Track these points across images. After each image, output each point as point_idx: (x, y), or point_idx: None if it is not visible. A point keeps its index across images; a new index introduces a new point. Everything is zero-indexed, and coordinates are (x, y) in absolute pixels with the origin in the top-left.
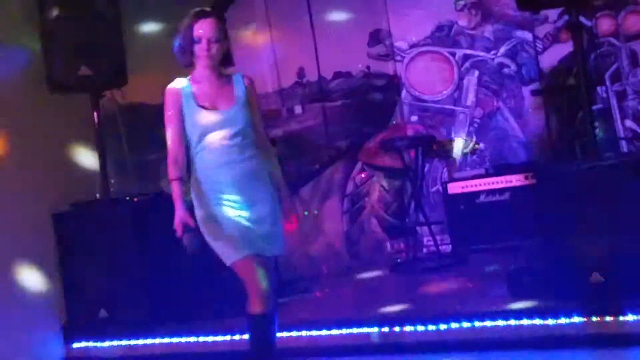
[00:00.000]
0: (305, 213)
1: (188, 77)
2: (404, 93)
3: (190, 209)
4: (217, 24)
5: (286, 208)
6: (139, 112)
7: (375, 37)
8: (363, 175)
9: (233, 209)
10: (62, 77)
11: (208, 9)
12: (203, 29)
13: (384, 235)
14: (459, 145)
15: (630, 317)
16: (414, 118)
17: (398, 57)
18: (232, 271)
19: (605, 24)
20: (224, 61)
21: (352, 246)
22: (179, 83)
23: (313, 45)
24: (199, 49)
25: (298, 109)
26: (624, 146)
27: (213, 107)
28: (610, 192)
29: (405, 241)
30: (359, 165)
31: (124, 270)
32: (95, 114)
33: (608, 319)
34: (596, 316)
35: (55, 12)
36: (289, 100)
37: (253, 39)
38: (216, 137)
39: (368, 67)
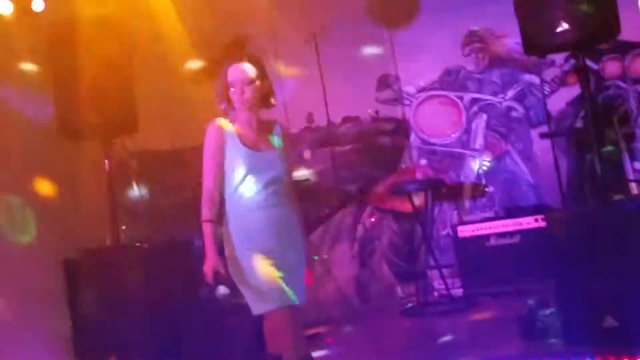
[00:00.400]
0: (316, 258)
1: (227, 119)
2: (412, 137)
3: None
4: (251, 66)
5: (308, 258)
6: (149, 158)
7: (384, 82)
8: (373, 219)
9: (265, 256)
10: (73, 124)
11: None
12: (235, 73)
13: (394, 279)
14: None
15: None
16: (423, 161)
17: (406, 102)
18: (247, 318)
19: (611, 67)
20: (263, 102)
21: (363, 290)
22: (221, 121)
23: (322, 90)
24: (233, 94)
25: (307, 154)
26: (634, 188)
27: (257, 148)
28: (622, 235)
29: (416, 285)
30: (368, 209)
31: (134, 315)
32: (106, 160)
33: None
34: None
35: (67, 60)
36: (298, 144)
37: None
38: (257, 179)
39: (377, 112)
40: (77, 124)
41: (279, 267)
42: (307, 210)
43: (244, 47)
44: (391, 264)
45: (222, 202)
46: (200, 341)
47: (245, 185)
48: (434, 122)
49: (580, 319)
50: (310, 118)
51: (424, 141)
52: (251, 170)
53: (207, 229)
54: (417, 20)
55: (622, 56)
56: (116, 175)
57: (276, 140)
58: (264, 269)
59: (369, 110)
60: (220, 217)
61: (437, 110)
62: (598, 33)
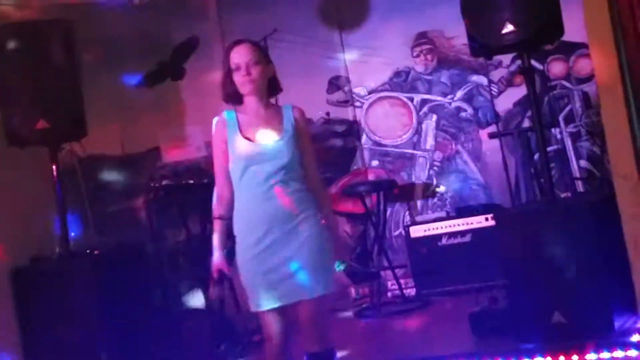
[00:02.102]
0: None
1: (235, 109)
2: (364, 138)
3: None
4: (253, 47)
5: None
6: (98, 164)
7: (335, 84)
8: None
9: (267, 249)
10: (19, 130)
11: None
12: (239, 54)
13: (348, 280)
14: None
15: (591, 357)
16: (375, 163)
17: (357, 103)
18: (203, 323)
19: (556, 68)
20: (271, 88)
21: None
22: (226, 113)
23: None
24: (239, 76)
25: None
26: (580, 186)
27: (258, 139)
28: (568, 232)
29: (369, 286)
30: None
31: (84, 324)
32: (54, 167)
33: (572, 358)
34: (559, 355)
35: (11, 65)
36: None
37: (213, 87)
38: (258, 172)
39: (328, 114)
40: (23, 130)
41: (277, 264)
42: None
43: (194, 49)
44: (344, 265)
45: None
46: (154, 348)
47: (246, 178)
48: (385, 123)
49: (530, 316)
50: None
51: (375, 142)
52: (251, 162)
53: (216, 225)
54: (368, 22)
55: (567, 57)
56: (64, 181)
57: (288, 126)
58: (258, 266)
59: (320, 112)
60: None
61: (387, 112)
62: (543, 34)
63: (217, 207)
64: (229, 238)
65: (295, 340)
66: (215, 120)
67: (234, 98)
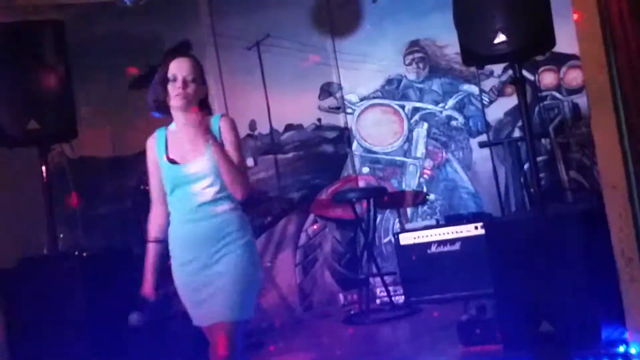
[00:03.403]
0: None
1: (166, 127)
2: (355, 145)
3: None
4: (194, 63)
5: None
6: (88, 165)
7: (326, 90)
8: (315, 227)
9: (193, 271)
10: (10, 131)
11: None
12: (180, 66)
13: (337, 286)
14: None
15: None
16: (365, 170)
17: (349, 110)
18: (188, 325)
19: (547, 79)
20: (202, 108)
21: (305, 298)
22: (157, 133)
23: (264, 97)
24: (173, 88)
25: (250, 162)
26: (569, 196)
27: (182, 160)
28: (558, 242)
29: (358, 292)
30: (311, 217)
31: (71, 326)
32: (43, 168)
33: None
34: None
35: (1, 65)
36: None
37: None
38: (184, 193)
39: (319, 120)
40: (13, 130)
41: (200, 285)
42: (250, 218)
43: (187, 52)
44: (334, 271)
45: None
46: (141, 350)
47: (175, 200)
48: (376, 130)
49: (518, 325)
50: (253, 125)
51: (366, 149)
52: (176, 185)
53: (149, 248)
54: (360, 29)
55: (558, 68)
56: (54, 182)
57: (213, 139)
58: (189, 285)
59: (312, 118)
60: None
61: (379, 119)
62: (534, 45)
63: (151, 229)
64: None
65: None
66: (148, 141)
67: (161, 108)
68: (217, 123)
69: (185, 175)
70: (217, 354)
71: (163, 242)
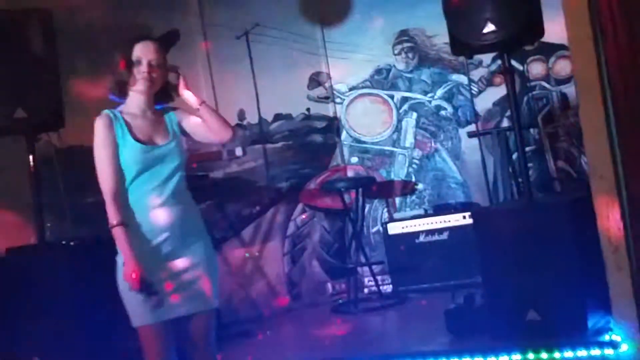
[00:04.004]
0: (247, 255)
1: (118, 109)
2: (344, 135)
3: None
4: (160, 48)
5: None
6: (76, 155)
7: (315, 80)
8: (304, 217)
9: (158, 259)
10: None
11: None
12: (145, 50)
13: (325, 276)
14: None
15: (565, 354)
16: (354, 159)
17: (338, 100)
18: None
19: (536, 68)
20: (162, 95)
21: (294, 287)
22: (110, 113)
23: (253, 87)
24: (138, 72)
25: (239, 151)
26: (557, 186)
27: (150, 142)
28: (545, 231)
29: (346, 282)
30: (300, 207)
31: (59, 316)
32: (30, 157)
33: (544, 356)
34: (533, 353)
35: None
36: (230, 141)
37: (193, 80)
38: (152, 176)
39: (308, 109)
40: (0, 119)
41: (173, 273)
42: (238, 207)
43: (175, 42)
44: (322, 261)
45: None
46: (127, 342)
47: (139, 183)
48: (365, 120)
49: (505, 314)
50: (241, 115)
51: (355, 139)
52: (145, 167)
53: (120, 233)
54: (349, 18)
55: (547, 58)
56: (41, 171)
57: (173, 129)
58: (152, 274)
59: (301, 108)
60: None
61: (368, 109)
62: (523, 35)
63: (115, 213)
64: None
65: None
66: (98, 119)
67: (122, 90)
68: (173, 116)
69: (156, 157)
70: (200, 344)
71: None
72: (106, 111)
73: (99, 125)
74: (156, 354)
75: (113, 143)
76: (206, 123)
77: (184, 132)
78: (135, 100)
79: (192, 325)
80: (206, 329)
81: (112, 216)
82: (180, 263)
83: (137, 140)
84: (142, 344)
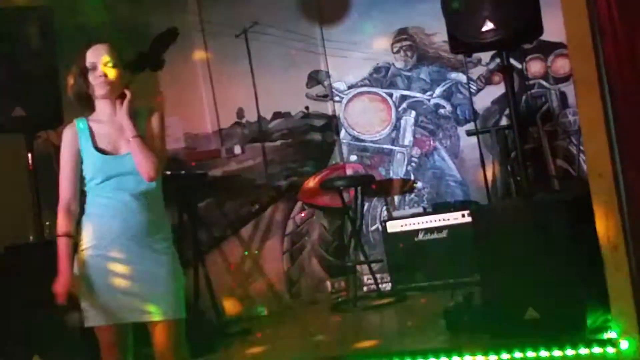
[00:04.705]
0: (246, 253)
1: (87, 117)
2: (342, 133)
3: None
4: (112, 48)
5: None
6: None
7: (314, 78)
8: (303, 215)
9: (113, 267)
10: None
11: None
12: (97, 53)
13: (324, 274)
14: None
15: (563, 353)
16: (353, 157)
17: (337, 98)
18: None
19: (535, 67)
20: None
21: (293, 286)
22: (77, 122)
23: (252, 85)
24: (94, 77)
25: (237, 149)
26: (556, 184)
27: (113, 151)
28: (544, 230)
29: (345, 280)
30: (299, 205)
31: (58, 314)
32: (29, 155)
33: (543, 354)
34: (532, 351)
35: None
36: (229, 140)
37: (192, 78)
38: (117, 183)
39: (307, 108)
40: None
41: (129, 278)
42: (237, 206)
43: (174, 40)
44: (321, 259)
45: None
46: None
47: (104, 189)
48: (364, 118)
49: (504, 312)
50: (240, 113)
51: (354, 137)
52: (107, 176)
53: (62, 243)
54: (348, 17)
55: (545, 56)
56: (39, 169)
57: (140, 131)
58: (105, 282)
59: (300, 106)
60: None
61: (366, 107)
62: (522, 33)
63: (63, 222)
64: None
65: None
66: (65, 130)
67: (84, 100)
68: (144, 115)
69: (120, 166)
70: (165, 354)
71: (73, 238)
72: (75, 120)
73: (63, 135)
74: (106, 356)
75: (73, 154)
76: (133, 157)
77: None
78: (101, 106)
79: (154, 333)
80: (169, 339)
81: (60, 225)
82: (134, 271)
83: (99, 149)
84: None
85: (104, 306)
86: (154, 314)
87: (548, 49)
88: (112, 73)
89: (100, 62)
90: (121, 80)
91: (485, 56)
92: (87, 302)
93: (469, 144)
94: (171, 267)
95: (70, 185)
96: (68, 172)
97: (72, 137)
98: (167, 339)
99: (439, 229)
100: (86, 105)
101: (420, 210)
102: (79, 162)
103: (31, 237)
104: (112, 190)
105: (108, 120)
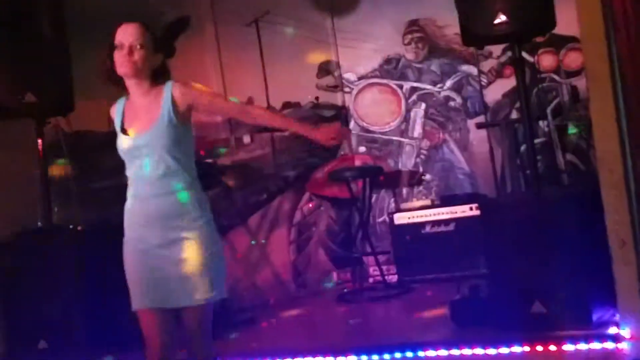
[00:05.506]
0: (253, 242)
1: (127, 97)
2: (352, 124)
3: None
4: (142, 29)
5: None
6: (84, 139)
7: (324, 69)
8: (311, 205)
9: (145, 250)
10: (6, 103)
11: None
12: (125, 32)
13: (330, 265)
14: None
15: (569, 348)
16: (362, 149)
17: (346, 89)
18: None
19: (546, 60)
20: (155, 78)
21: (299, 276)
22: (117, 102)
23: (262, 75)
24: (119, 56)
25: (247, 139)
26: (565, 179)
27: (136, 131)
28: (551, 224)
29: (351, 271)
30: (306, 195)
31: (65, 300)
32: (39, 140)
33: (550, 348)
34: (537, 345)
35: None
36: (238, 129)
37: (202, 67)
38: (139, 166)
39: (317, 98)
40: (10, 103)
41: (159, 265)
42: (245, 195)
43: (185, 28)
44: (328, 250)
45: None
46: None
47: (131, 173)
48: (374, 110)
49: (511, 305)
50: (250, 102)
51: (363, 128)
52: (131, 157)
53: None
54: (360, 7)
55: (557, 50)
56: (49, 155)
57: (164, 112)
58: (138, 265)
59: (309, 96)
60: None
61: (376, 98)
62: (535, 26)
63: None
64: None
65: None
66: (111, 109)
67: (112, 78)
68: (169, 93)
69: (135, 148)
70: (195, 334)
71: None
72: (118, 100)
73: (110, 115)
74: (150, 338)
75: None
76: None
77: (183, 108)
78: (129, 86)
79: (185, 316)
80: (198, 320)
81: None
82: (167, 258)
83: (123, 129)
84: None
85: (137, 291)
86: (186, 299)
87: (560, 43)
88: (137, 54)
89: (127, 42)
90: (147, 62)
91: (497, 49)
92: (131, 286)
93: (478, 137)
94: (198, 246)
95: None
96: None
97: (112, 118)
98: (196, 321)
99: (446, 222)
100: (115, 82)
101: (428, 202)
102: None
103: (40, 223)
104: (134, 174)
105: (136, 99)
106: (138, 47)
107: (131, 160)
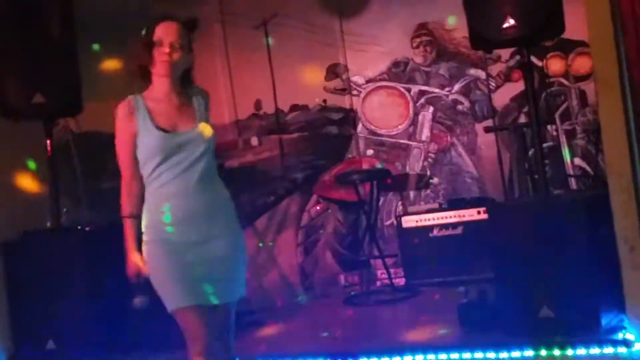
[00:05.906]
0: (260, 245)
1: (142, 94)
2: (359, 127)
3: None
4: (183, 29)
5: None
6: (93, 140)
7: (333, 71)
8: (318, 208)
9: (183, 248)
10: (15, 104)
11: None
12: (166, 30)
13: (338, 267)
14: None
15: (578, 352)
16: (370, 152)
17: (354, 92)
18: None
19: (555, 65)
20: (185, 78)
21: (306, 279)
22: (133, 99)
23: (270, 77)
24: (159, 53)
25: (254, 141)
26: (573, 183)
27: (173, 129)
28: (559, 228)
29: (359, 274)
30: (314, 198)
31: (73, 300)
32: (48, 141)
33: (557, 353)
34: (544, 351)
35: (8, 38)
36: (246, 131)
37: (211, 69)
38: (176, 164)
39: (325, 101)
40: (19, 104)
41: (199, 259)
42: (252, 197)
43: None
44: (335, 252)
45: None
46: (140, 327)
47: (162, 172)
48: (382, 113)
49: (518, 310)
50: (258, 105)
51: (371, 132)
52: (168, 154)
53: (127, 225)
54: (368, 10)
55: (566, 54)
56: (58, 156)
57: (201, 110)
58: (178, 263)
59: (317, 99)
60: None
61: (384, 102)
62: (543, 30)
63: (127, 204)
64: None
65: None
66: (119, 106)
67: (144, 74)
68: (200, 96)
69: (179, 144)
70: (221, 332)
71: (138, 218)
72: (130, 97)
73: (119, 112)
74: (197, 336)
75: (132, 133)
76: None
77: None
78: (159, 84)
79: (222, 312)
80: (227, 317)
81: (123, 206)
82: (206, 254)
83: (159, 127)
84: (182, 329)
85: (178, 289)
86: (223, 295)
87: (569, 47)
88: (176, 53)
89: (168, 40)
90: (183, 63)
91: (505, 53)
92: (161, 286)
93: (486, 141)
94: (232, 246)
95: (130, 165)
96: (127, 151)
97: (128, 114)
98: (225, 318)
99: (454, 225)
100: (143, 80)
101: (435, 206)
102: (134, 139)
103: (48, 223)
104: (170, 172)
105: (165, 99)
106: (178, 46)
107: (168, 157)
